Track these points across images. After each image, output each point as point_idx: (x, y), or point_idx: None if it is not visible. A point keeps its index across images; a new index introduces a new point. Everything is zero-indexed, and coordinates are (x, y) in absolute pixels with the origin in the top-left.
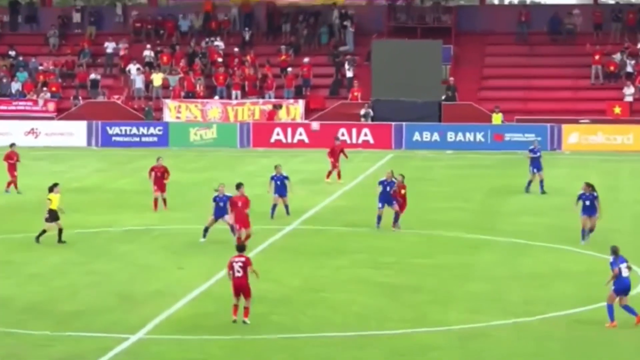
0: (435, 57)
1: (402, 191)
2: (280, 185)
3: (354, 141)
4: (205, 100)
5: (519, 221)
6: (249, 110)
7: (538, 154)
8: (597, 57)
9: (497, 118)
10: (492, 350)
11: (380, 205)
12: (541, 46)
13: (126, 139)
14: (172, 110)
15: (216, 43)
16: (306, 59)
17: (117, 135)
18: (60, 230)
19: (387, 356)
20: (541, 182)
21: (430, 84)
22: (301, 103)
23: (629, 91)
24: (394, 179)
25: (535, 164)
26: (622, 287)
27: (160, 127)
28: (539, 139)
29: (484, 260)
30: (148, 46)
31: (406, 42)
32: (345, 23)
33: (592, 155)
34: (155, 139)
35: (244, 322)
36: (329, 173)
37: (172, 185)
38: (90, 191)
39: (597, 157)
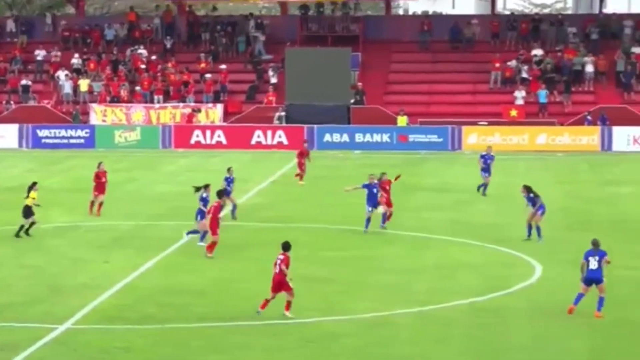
0: (345, 63)
1: (387, 187)
2: (231, 187)
3: (269, 142)
4: (129, 105)
5: (422, 216)
6: (171, 113)
7: (489, 161)
8: (497, 64)
9: (402, 120)
10: (397, 336)
11: (369, 208)
12: (442, 53)
13: (55, 140)
14: (99, 114)
15: (140, 51)
16: (223, 66)
17: (46, 137)
18: (22, 227)
19: (299, 343)
20: (485, 186)
21: (339, 89)
22: (219, 107)
23: (520, 95)
24: (376, 182)
25: (487, 169)
26: (588, 277)
27: (87, 130)
28: (490, 146)
29: (390, 253)
30: (76, 55)
31: (317, 50)
32: (254, 34)
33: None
34: (83, 140)
35: (286, 315)
36: (300, 176)
37: None
38: (21, 190)
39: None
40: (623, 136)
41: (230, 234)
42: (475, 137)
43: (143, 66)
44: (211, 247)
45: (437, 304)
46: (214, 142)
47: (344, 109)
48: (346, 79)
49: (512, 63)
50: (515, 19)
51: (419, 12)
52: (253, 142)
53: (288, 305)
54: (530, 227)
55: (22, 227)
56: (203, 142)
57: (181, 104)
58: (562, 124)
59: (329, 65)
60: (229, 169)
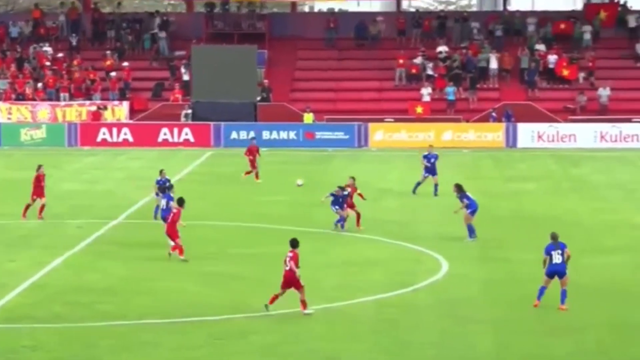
0: (251, 61)
1: (357, 191)
2: (164, 188)
3: (176, 140)
4: (34, 102)
5: (330, 213)
6: (77, 111)
7: (432, 160)
8: (401, 61)
9: (308, 117)
10: (306, 333)
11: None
12: (348, 50)
13: None
14: (4, 112)
15: (45, 48)
16: (125, 63)
17: None
18: None
19: (207, 340)
20: (436, 185)
21: (246, 86)
22: (125, 104)
23: (426, 91)
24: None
25: (430, 169)
26: (551, 271)
27: None
28: (431, 145)
29: (300, 249)
30: None
31: (224, 47)
32: (154, 31)
33: (396, 151)
34: None
35: (305, 314)
36: (250, 173)
37: (4, 183)
38: None
39: (401, 153)
40: (527, 133)
41: (138, 232)
42: (382, 134)
43: (48, 63)
44: (180, 250)
45: (345, 301)
46: (120, 139)
47: (250, 106)
48: (252, 76)
49: (418, 60)
50: (420, 16)
51: (325, 9)
52: (160, 139)
53: (303, 304)
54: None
55: None
56: (109, 140)
57: (87, 102)
58: (467, 121)
59: (235, 62)
60: (161, 171)
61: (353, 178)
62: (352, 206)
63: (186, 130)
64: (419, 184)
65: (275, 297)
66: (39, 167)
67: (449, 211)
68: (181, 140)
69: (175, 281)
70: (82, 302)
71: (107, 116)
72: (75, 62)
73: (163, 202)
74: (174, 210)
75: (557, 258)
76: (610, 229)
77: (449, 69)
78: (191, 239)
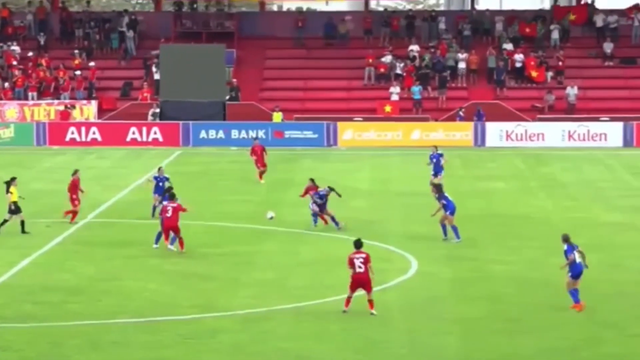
0: (219, 60)
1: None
2: (162, 187)
3: (144, 139)
4: (2, 102)
5: (298, 212)
6: (45, 110)
7: (435, 160)
8: (370, 60)
9: (277, 116)
10: (275, 331)
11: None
12: (317, 50)
13: None
14: None
15: (13, 47)
16: (92, 63)
17: None
18: (22, 222)
19: (176, 340)
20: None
21: (214, 85)
22: (94, 104)
23: (395, 90)
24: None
25: (438, 168)
26: (577, 272)
27: None
28: (435, 146)
29: (267, 249)
30: None
31: (192, 46)
32: (121, 29)
33: (365, 150)
34: None
35: (372, 313)
36: (263, 172)
37: None
38: None
39: (370, 152)
40: (496, 132)
41: (106, 231)
42: (351, 133)
43: (15, 63)
44: (181, 243)
45: (313, 300)
46: (89, 139)
47: (219, 106)
48: (221, 75)
49: (386, 59)
50: (389, 15)
51: (293, 8)
52: (128, 138)
53: (372, 304)
54: (444, 227)
55: (4, 221)
56: (78, 139)
57: (55, 101)
58: (436, 120)
59: (203, 61)
60: (159, 169)
61: (312, 180)
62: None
63: (155, 129)
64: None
65: (349, 300)
66: (75, 171)
67: (418, 210)
68: (150, 139)
69: (145, 281)
70: (51, 301)
71: (76, 115)
72: (43, 61)
73: (170, 208)
74: (176, 205)
75: (578, 257)
76: (579, 228)
77: (417, 69)
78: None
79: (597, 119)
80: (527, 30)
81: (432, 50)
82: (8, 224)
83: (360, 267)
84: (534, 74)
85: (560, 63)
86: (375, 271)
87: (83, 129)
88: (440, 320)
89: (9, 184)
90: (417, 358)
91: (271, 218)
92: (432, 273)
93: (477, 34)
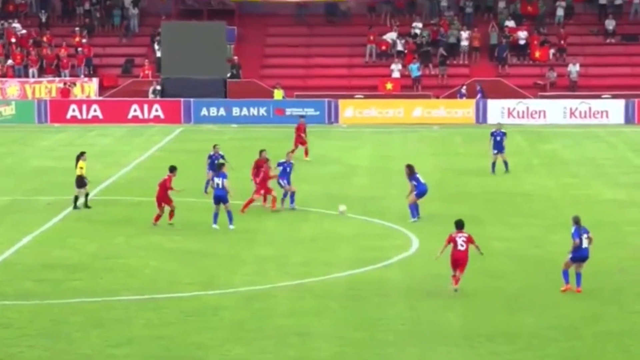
0: (220, 37)
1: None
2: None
3: (146, 116)
4: (4, 79)
5: (299, 189)
6: (46, 88)
7: (499, 137)
8: (371, 37)
9: (278, 94)
10: (275, 309)
11: (285, 183)
12: (318, 27)
13: None
14: None
15: (14, 25)
16: (84, 40)
17: None
18: (86, 195)
19: (179, 317)
20: (505, 162)
21: (215, 63)
22: (95, 81)
23: (396, 68)
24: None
25: (497, 145)
26: (579, 256)
27: None
28: (499, 122)
29: (267, 226)
30: None
31: (193, 23)
32: (126, 7)
33: (366, 127)
34: None
35: (455, 290)
36: (306, 151)
37: None
38: None
39: (371, 130)
40: (497, 109)
41: (108, 208)
42: (352, 111)
43: (14, 40)
44: (158, 217)
45: (314, 277)
46: (90, 116)
47: (220, 83)
48: (222, 52)
49: (389, 36)
50: None
51: None
52: (130, 116)
53: (457, 280)
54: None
55: (76, 198)
56: (79, 116)
57: (57, 79)
58: (437, 97)
59: (204, 38)
60: (214, 146)
61: (263, 151)
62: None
63: (156, 106)
64: (494, 163)
65: (456, 278)
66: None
67: None
68: (151, 116)
69: (146, 258)
70: (52, 279)
71: (77, 93)
72: (44, 39)
73: (218, 181)
74: (166, 177)
75: (585, 242)
76: (580, 205)
77: (418, 46)
78: (162, 216)
79: (598, 96)
80: (529, 9)
81: (434, 27)
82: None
83: (462, 245)
84: (537, 54)
85: (562, 42)
86: (375, 248)
87: (84, 107)
88: (441, 297)
89: (78, 158)
90: (418, 334)
91: (342, 212)
92: (432, 250)
93: (479, 11)
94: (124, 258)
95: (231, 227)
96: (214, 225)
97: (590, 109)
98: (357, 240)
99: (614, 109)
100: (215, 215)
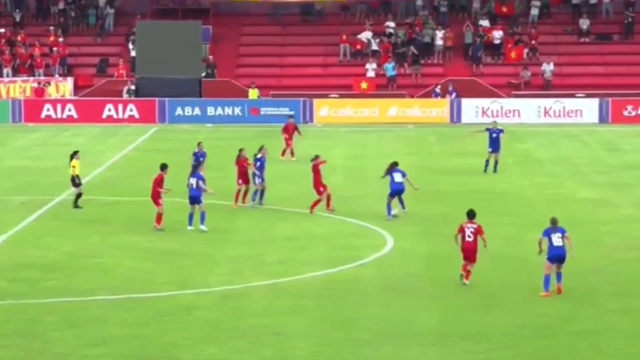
0: (195, 36)
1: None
2: (203, 161)
3: (120, 116)
4: None
5: (274, 188)
6: (20, 87)
7: (495, 134)
8: (344, 36)
9: (253, 93)
10: (251, 308)
11: (259, 180)
12: (293, 26)
13: None
14: None
15: None
16: (72, 39)
17: None
18: (79, 195)
19: (154, 316)
20: (496, 162)
21: (190, 62)
22: (70, 80)
23: (371, 67)
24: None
25: (493, 143)
26: (553, 255)
27: None
28: (495, 120)
29: (242, 225)
30: None
31: (168, 23)
32: (100, 6)
33: (341, 127)
34: None
35: (464, 283)
36: (283, 151)
37: None
38: None
39: (346, 129)
40: (472, 108)
41: (83, 208)
42: (327, 110)
43: None
44: (158, 218)
45: (290, 276)
46: (64, 116)
47: (195, 82)
48: (197, 52)
49: (364, 35)
50: None
51: None
52: (104, 115)
53: (468, 274)
54: (388, 206)
55: (78, 195)
56: (54, 116)
57: (31, 78)
58: (412, 97)
59: (179, 38)
60: (199, 144)
61: (242, 150)
62: (246, 181)
63: (131, 106)
64: (487, 161)
65: (467, 271)
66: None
67: None
68: (126, 116)
69: (121, 257)
70: (27, 278)
71: (52, 92)
72: (19, 38)
73: (192, 182)
74: (157, 176)
75: (557, 241)
76: (554, 204)
77: (394, 45)
78: (137, 215)
79: (572, 95)
80: (504, 9)
81: (409, 27)
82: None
83: (469, 236)
84: (513, 55)
85: (533, 42)
86: (350, 248)
87: (59, 106)
88: (416, 297)
89: (72, 157)
90: (392, 333)
91: (395, 215)
92: (407, 249)
93: (453, 11)
94: (99, 257)
95: (202, 227)
96: (189, 227)
97: (564, 108)
98: (333, 239)
99: (588, 108)
100: (190, 216)
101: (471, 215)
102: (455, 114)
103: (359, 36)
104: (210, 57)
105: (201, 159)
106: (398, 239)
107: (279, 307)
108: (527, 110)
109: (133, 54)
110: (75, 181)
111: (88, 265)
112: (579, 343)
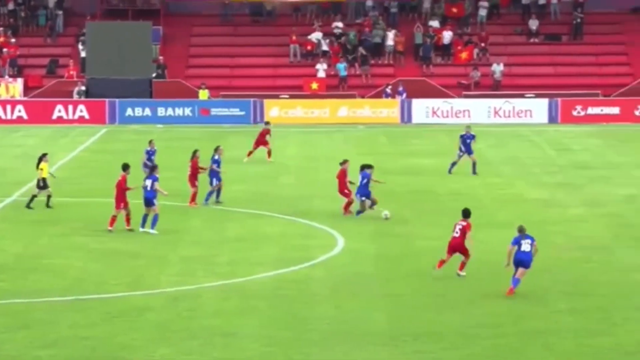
0: (146, 37)
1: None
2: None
3: (71, 117)
4: None
5: (225, 189)
6: None
7: (468, 140)
8: (294, 37)
9: (203, 94)
10: (201, 308)
11: (216, 181)
12: (244, 27)
13: None
14: None
15: None
16: (22, 40)
17: None
18: (49, 197)
19: (104, 318)
20: (474, 164)
21: (141, 63)
22: (20, 81)
23: (321, 67)
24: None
25: (467, 148)
26: (518, 259)
27: None
28: (470, 125)
29: (192, 226)
30: None
31: (118, 23)
32: (50, 7)
33: (292, 127)
34: None
35: (458, 274)
36: (250, 153)
37: None
38: None
39: (296, 129)
40: (422, 108)
41: (33, 210)
42: (277, 110)
43: None
44: (114, 220)
45: (241, 277)
46: (14, 117)
47: (145, 83)
48: (147, 52)
49: (314, 36)
50: None
51: None
52: (54, 116)
53: (462, 265)
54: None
55: (33, 197)
56: (3, 117)
57: None
58: (363, 97)
59: (130, 39)
60: (150, 142)
61: (197, 151)
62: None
63: (81, 107)
64: (454, 163)
65: (442, 262)
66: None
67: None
68: (76, 117)
69: (71, 258)
70: None
71: (2, 93)
72: None
73: (148, 183)
74: (120, 177)
75: (525, 247)
76: (504, 204)
77: (344, 46)
78: (87, 216)
79: (522, 96)
80: (454, 10)
81: (359, 27)
82: (36, 199)
83: (456, 232)
84: (463, 55)
85: (482, 44)
86: (301, 248)
87: (9, 107)
88: (367, 297)
89: (40, 159)
90: (343, 334)
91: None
92: (358, 249)
93: (403, 11)
94: (49, 259)
95: (152, 231)
96: (141, 229)
97: (514, 108)
98: (283, 239)
99: (537, 108)
100: (144, 218)
101: (465, 214)
102: (406, 115)
103: (309, 37)
104: (161, 57)
105: (152, 157)
106: (349, 240)
107: (230, 308)
108: (477, 110)
109: (83, 54)
110: (40, 184)
111: (38, 266)
112: (529, 342)
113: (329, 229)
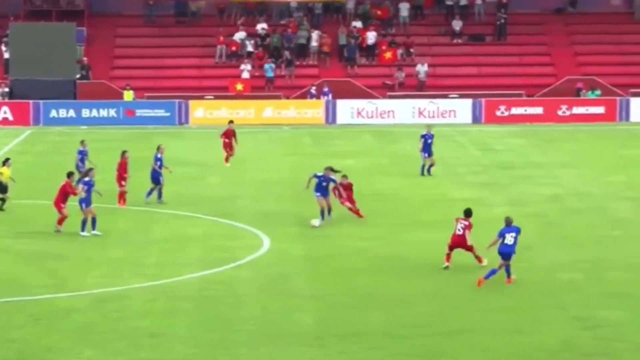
0: (69, 38)
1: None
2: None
3: None
4: None
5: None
6: None
7: (430, 140)
8: (221, 38)
9: (128, 95)
10: (128, 310)
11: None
12: (169, 28)
13: None
14: None
15: None
16: None
17: None
18: (3, 200)
19: (28, 320)
20: (430, 165)
21: (65, 64)
22: None
23: (246, 68)
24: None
25: (426, 148)
26: (502, 251)
27: None
28: (430, 124)
29: (117, 228)
30: None
31: (42, 24)
32: None
33: (217, 128)
34: None
35: (481, 266)
36: (227, 157)
37: None
38: None
39: (221, 130)
40: (347, 109)
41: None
42: (202, 111)
43: None
44: (61, 220)
45: (167, 278)
46: None
47: (69, 84)
48: (71, 53)
49: (238, 36)
50: None
51: None
52: None
53: (479, 259)
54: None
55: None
56: None
57: None
58: (287, 98)
59: (53, 40)
60: (82, 142)
61: (125, 152)
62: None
63: (4, 108)
64: (423, 166)
65: (448, 256)
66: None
67: (270, 188)
68: None
69: (7, 263)
70: None
71: None
72: None
73: (80, 187)
74: (63, 182)
75: (509, 240)
76: (429, 204)
77: (266, 47)
78: (9, 219)
79: (446, 96)
80: (379, 12)
81: (283, 28)
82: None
83: (459, 230)
84: (387, 55)
85: (405, 47)
86: (227, 249)
87: None
88: (293, 297)
89: (3, 163)
90: (269, 334)
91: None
92: (284, 250)
93: (328, 12)
94: None
95: (83, 233)
96: (82, 233)
97: (438, 108)
98: (209, 240)
99: (461, 108)
100: (83, 222)
101: (467, 213)
102: (331, 115)
103: (234, 37)
104: (85, 58)
105: (85, 157)
106: (274, 240)
107: (156, 309)
108: (402, 111)
109: (6, 55)
110: (3, 188)
111: None
112: (455, 342)
113: (255, 229)
